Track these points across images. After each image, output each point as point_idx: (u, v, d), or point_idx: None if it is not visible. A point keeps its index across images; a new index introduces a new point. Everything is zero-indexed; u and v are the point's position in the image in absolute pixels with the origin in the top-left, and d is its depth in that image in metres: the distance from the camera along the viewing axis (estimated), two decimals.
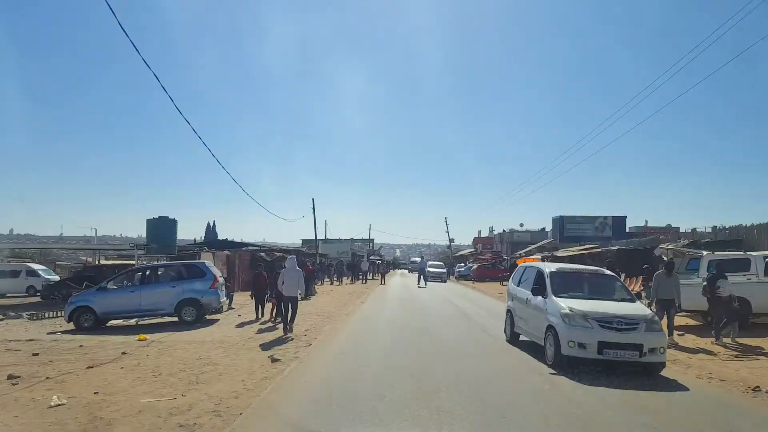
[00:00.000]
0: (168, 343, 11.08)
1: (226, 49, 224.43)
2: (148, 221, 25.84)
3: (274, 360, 8.67)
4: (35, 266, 30.09)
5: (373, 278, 43.12)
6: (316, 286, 30.57)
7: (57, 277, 28.77)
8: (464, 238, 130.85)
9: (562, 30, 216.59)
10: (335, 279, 34.67)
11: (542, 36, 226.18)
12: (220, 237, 65.02)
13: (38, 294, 25.64)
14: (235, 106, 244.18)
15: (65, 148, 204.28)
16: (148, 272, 15.02)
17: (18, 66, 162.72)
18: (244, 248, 29.32)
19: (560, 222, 55.89)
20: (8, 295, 27.26)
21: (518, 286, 11.44)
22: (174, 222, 26.17)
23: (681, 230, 64.38)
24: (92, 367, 8.89)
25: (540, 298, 9.68)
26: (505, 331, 11.73)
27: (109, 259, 34.44)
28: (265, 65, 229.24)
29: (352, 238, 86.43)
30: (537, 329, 9.63)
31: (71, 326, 14.13)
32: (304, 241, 62.45)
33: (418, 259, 73.09)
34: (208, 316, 15.39)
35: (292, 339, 11.67)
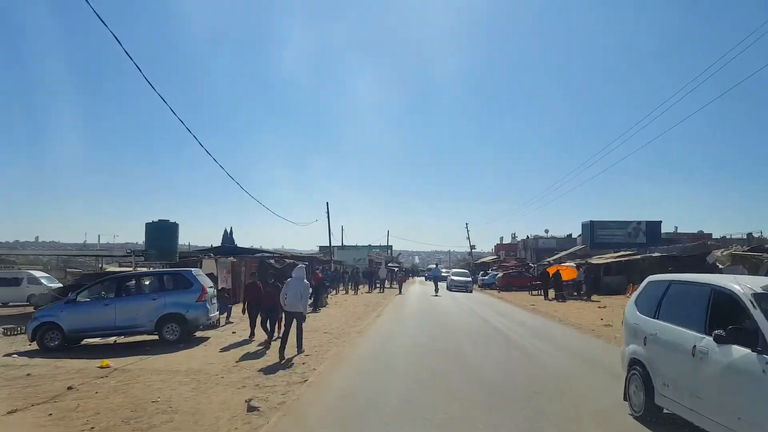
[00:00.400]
0: (132, 374, 8.84)
1: (244, 60, 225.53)
2: (147, 225, 23.90)
3: (251, 408, 6.29)
4: (37, 273, 28.37)
5: (391, 286, 40.74)
6: (330, 296, 28.31)
7: (60, 285, 27.02)
8: (485, 245, 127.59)
9: (584, 35, 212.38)
10: (351, 288, 32.32)
11: (564, 41, 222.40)
12: (238, 244, 63.51)
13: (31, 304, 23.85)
14: (254, 114, 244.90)
15: (98, 157, 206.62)
16: (125, 282, 12.78)
17: (49, 73, 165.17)
18: (250, 255, 27.12)
19: (590, 227, 52.83)
20: (10, 304, 25.60)
21: (658, 317, 6.19)
22: (175, 226, 24.18)
23: (713, 236, 61.06)
24: (14, 411, 6.69)
25: (743, 352, 4.58)
26: (626, 396, 6.48)
27: (122, 266, 32.75)
28: (283, 74, 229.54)
29: (369, 245, 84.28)
30: (731, 411, 4.64)
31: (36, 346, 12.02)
32: (321, 248, 60.36)
33: (433, 266, 70.57)
34: (198, 333, 13.19)
35: (292, 365, 9.36)
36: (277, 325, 12.31)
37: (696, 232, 64.90)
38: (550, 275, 29.77)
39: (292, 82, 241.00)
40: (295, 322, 10.51)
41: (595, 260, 33.63)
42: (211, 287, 13.08)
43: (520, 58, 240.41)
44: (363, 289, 37.19)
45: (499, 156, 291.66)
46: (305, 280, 10.89)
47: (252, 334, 12.58)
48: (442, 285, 35.42)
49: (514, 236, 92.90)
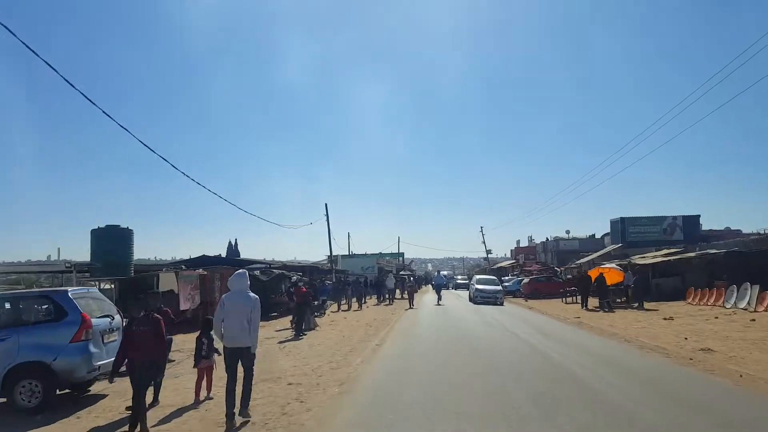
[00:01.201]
0: None
1: (247, 71, 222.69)
2: (93, 232, 19.35)
3: None
4: None
5: (402, 297, 35.93)
6: (328, 312, 23.50)
7: None
8: (500, 250, 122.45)
9: (594, 31, 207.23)
10: (353, 301, 27.44)
11: (574, 39, 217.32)
12: (245, 256, 58.57)
13: None
14: (260, 125, 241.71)
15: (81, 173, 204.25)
16: None
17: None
18: (225, 265, 22.48)
19: (621, 225, 47.59)
20: None
21: None
22: (128, 233, 19.32)
23: (744, 232, 55.50)
24: None
25: None
26: None
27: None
28: (288, 84, 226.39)
29: (380, 253, 79.63)
30: None
31: None
32: (342, 258, 55.67)
33: (445, 273, 65.81)
34: (93, 388, 8.48)
35: None
36: (205, 376, 7.56)
37: (723, 228, 59.48)
38: (592, 279, 24.76)
39: (297, 92, 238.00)
40: (240, 365, 6.45)
41: (638, 260, 28.52)
42: (105, 316, 8.29)
43: (529, 57, 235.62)
44: (371, 301, 32.47)
45: (510, 159, 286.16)
46: (251, 294, 6.56)
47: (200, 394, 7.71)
48: (450, 294, 30.62)
49: (530, 239, 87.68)
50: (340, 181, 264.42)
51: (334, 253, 59.51)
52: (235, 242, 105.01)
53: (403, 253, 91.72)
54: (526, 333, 15.25)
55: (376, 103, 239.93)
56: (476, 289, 30.22)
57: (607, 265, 27.70)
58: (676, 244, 41.07)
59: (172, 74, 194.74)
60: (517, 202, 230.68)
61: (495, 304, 28.26)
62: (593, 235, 70.75)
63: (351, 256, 59.53)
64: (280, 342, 13.45)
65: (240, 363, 6.33)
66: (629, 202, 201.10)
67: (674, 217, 47.23)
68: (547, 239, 76.56)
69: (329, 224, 32.96)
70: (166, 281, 17.89)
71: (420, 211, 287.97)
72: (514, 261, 79.10)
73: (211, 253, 33.11)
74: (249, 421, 6.19)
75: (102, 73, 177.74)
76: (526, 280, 35.72)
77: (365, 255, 61.17)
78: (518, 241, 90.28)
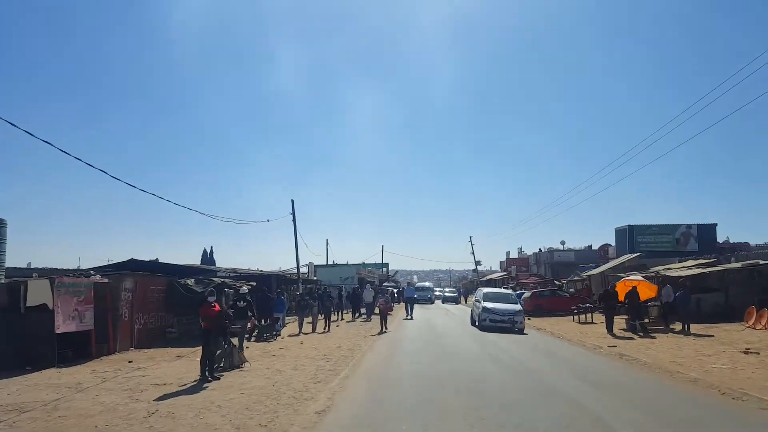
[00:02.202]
0: None
1: (236, 79, 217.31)
2: None
3: None
4: None
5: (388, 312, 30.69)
6: (280, 336, 18.01)
7: None
8: (487, 262, 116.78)
9: (585, 42, 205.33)
10: (321, 318, 21.93)
11: (564, 51, 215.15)
12: (222, 265, 51.98)
13: None
14: (247, 133, 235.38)
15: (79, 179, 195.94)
16: None
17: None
18: (146, 272, 17.02)
19: (628, 234, 42.76)
20: None
21: None
22: None
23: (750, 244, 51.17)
24: None
25: None
26: None
27: None
28: (276, 93, 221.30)
29: (363, 263, 74.19)
30: None
31: None
32: (318, 268, 50.11)
33: (427, 284, 60.62)
34: None
35: None
36: None
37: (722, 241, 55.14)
38: (620, 295, 19.62)
39: (284, 103, 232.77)
40: None
41: (668, 272, 23.49)
42: None
43: (520, 69, 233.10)
44: (347, 316, 27.06)
45: (499, 170, 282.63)
46: None
47: None
48: (438, 309, 25.19)
49: (520, 250, 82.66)
50: (326, 188, 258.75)
51: (314, 262, 54.34)
52: (211, 250, 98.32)
53: (387, 264, 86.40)
54: (560, 381, 9.93)
55: (366, 111, 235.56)
56: (484, 308, 21.04)
57: (632, 278, 22.58)
58: (689, 255, 36.48)
59: (158, 76, 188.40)
60: (505, 214, 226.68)
61: (512, 330, 19.98)
62: (590, 246, 66.46)
63: (331, 265, 54.02)
64: (162, 398, 8.04)
65: None
66: (621, 214, 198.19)
67: (688, 226, 42.52)
68: (540, 250, 71.75)
69: (296, 224, 27.55)
70: (37, 292, 12.41)
71: (406, 222, 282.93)
72: (505, 273, 74.08)
73: (184, 262, 27.63)
74: None
75: (89, 74, 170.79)
76: (527, 294, 30.54)
77: (347, 264, 55.71)
78: (508, 253, 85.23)
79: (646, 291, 20.17)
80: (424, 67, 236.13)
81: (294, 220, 27.25)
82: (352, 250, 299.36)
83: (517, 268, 68.88)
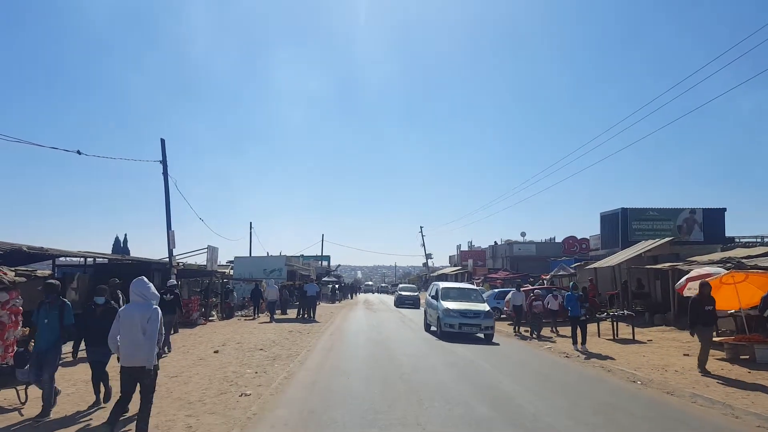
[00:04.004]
0: None
1: (158, 50, 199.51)
2: None
3: None
4: None
5: (304, 315, 21.83)
6: (165, 354, 8.07)
7: None
8: (437, 257, 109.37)
9: (534, 21, 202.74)
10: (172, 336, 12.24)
11: (512, 32, 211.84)
12: (138, 254, 39.23)
13: None
14: (176, 113, 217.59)
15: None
16: None
17: None
18: None
19: (621, 218, 34.97)
20: None
21: None
22: None
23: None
24: None
25: None
26: None
27: None
28: (208, 71, 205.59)
29: (301, 255, 64.21)
30: None
31: None
32: (237, 259, 39.83)
33: (369, 283, 51.98)
34: None
35: None
36: None
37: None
38: (710, 296, 10.94)
39: (217, 82, 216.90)
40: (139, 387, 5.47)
41: (749, 260, 15.08)
42: None
43: (466, 59, 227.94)
44: (250, 323, 17.59)
45: (446, 159, 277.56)
46: (154, 306, 5.67)
47: None
48: (391, 312, 16.71)
49: (471, 244, 75.16)
50: (255, 183, 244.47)
51: (244, 255, 43.65)
52: (124, 238, 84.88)
53: (329, 257, 76.80)
54: None
55: (302, 93, 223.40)
56: (446, 310, 16.68)
57: (707, 269, 13.99)
58: (697, 245, 29.16)
59: (75, 52, 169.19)
60: (454, 206, 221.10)
61: (480, 339, 16.37)
62: (553, 239, 60.07)
63: (256, 257, 43.72)
64: None
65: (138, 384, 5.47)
66: (572, 210, 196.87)
67: (692, 210, 35.24)
68: (496, 243, 64.36)
69: (167, 180, 17.18)
70: None
71: (348, 213, 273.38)
72: (459, 267, 66.13)
73: (95, 250, 19.97)
74: None
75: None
76: (511, 295, 21.41)
77: (270, 256, 45.64)
78: (459, 246, 77.36)
79: (749, 291, 11.74)
80: (367, 53, 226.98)
81: (165, 171, 16.96)
82: (291, 242, 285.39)
83: (474, 261, 60.94)
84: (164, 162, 17.18)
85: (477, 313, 16.49)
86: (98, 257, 20.93)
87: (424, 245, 72.44)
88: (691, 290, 13.53)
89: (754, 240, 34.47)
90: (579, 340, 14.29)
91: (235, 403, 7.38)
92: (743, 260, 15.03)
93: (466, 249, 71.20)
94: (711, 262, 16.04)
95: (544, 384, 9.51)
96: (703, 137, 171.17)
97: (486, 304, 18.03)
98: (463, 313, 16.43)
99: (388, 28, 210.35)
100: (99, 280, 12.88)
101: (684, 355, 12.80)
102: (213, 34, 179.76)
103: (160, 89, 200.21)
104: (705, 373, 10.27)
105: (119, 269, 19.02)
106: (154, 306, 5.70)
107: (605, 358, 12.70)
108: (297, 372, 9.96)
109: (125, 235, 75.83)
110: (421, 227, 71.02)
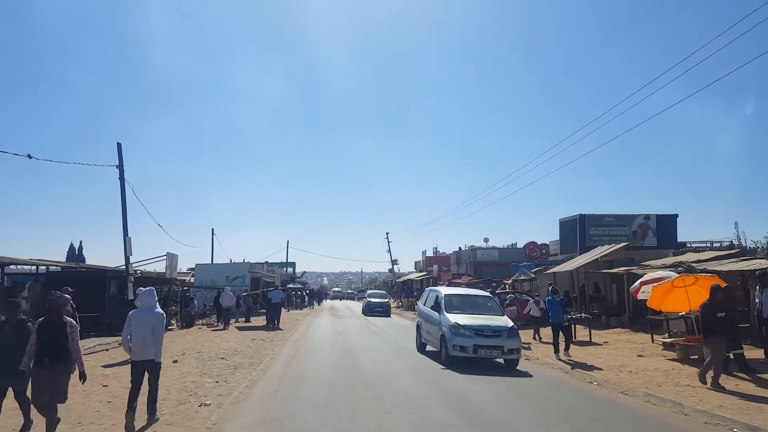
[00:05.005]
0: None
1: (114, 52, 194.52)
2: None
3: None
4: None
5: (312, 306, 21.50)
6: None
7: None
8: (402, 263, 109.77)
9: (496, 24, 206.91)
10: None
11: (475, 31, 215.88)
12: (92, 262, 36.38)
13: None
14: (134, 116, 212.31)
15: None
16: None
17: None
18: None
19: (579, 224, 35.89)
20: None
21: None
22: None
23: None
24: None
25: None
26: None
27: None
28: (167, 73, 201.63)
29: (266, 261, 63.25)
30: None
31: None
32: (198, 266, 38.93)
33: (337, 289, 51.09)
34: None
35: None
36: None
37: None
38: (656, 302, 11.34)
39: (174, 78, 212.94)
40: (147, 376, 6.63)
41: (699, 264, 15.74)
42: None
43: (428, 59, 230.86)
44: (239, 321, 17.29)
45: (409, 168, 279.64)
46: (158, 310, 6.87)
47: None
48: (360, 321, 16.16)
49: (436, 250, 75.83)
50: (223, 179, 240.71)
51: (206, 263, 42.60)
52: (80, 245, 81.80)
53: (294, 263, 75.92)
54: None
55: (265, 96, 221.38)
56: (454, 326, 12.20)
57: (660, 273, 14.59)
58: (652, 250, 30.31)
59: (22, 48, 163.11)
60: (420, 213, 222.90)
61: (503, 368, 12.00)
62: (515, 244, 61.11)
63: (224, 264, 42.84)
64: None
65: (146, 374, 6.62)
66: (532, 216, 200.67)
67: (646, 216, 36.43)
68: (460, 249, 65.23)
69: (124, 186, 16.69)
70: None
71: (315, 221, 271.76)
72: (425, 273, 66.53)
73: (49, 258, 19.50)
74: (157, 419, 6.60)
75: None
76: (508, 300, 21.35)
77: (234, 263, 44.88)
78: (424, 252, 77.76)
79: (696, 297, 12.27)
80: (329, 57, 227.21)
81: (122, 176, 16.48)
82: (253, 247, 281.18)
83: (439, 267, 61.50)
84: (121, 166, 16.75)
85: (497, 331, 12.04)
86: (51, 265, 20.23)
87: (390, 251, 72.50)
88: (645, 293, 14.08)
89: (704, 245, 35.99)
90: (561, 347, 13.62)
91: (194, 413, 7.26)
92: (693, 264, 15.67)
93: (432, 255, 71.71)
94: (663, 266, 16.70)
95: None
96: (657, 147, 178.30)
97: (506, 317, 13.50)
98: (478, 331, 11.95)
99: (354, 31, 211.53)
100: (52, 288, 12.44)
101: (638, 356, 13.25)
102: (173, 34, 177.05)
103: (117, 91, 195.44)
104: (718, 387, 9.06)
105: (74, 277, 18.46)
106: (160, 311, 6.83)
107: (591, 368, 11.74)
108: (259, 380, 9.85)
109: (80, 242, 73.30)
110: (387, 233, 71.06)
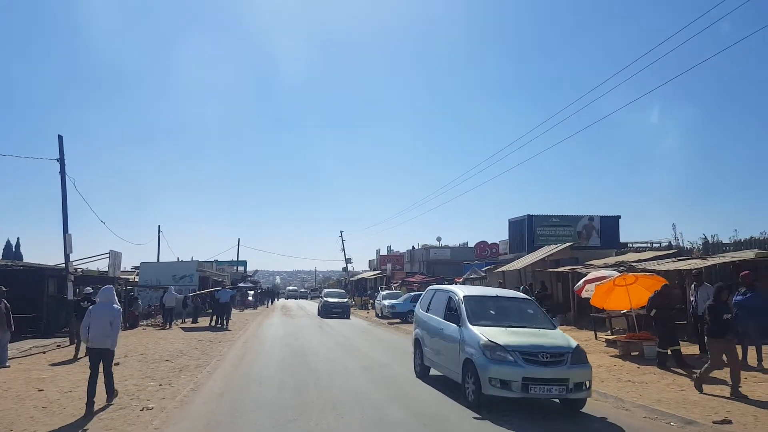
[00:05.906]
0: None
1: (54, 39, 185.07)
2: None
3: None
4: None
5: (218, 323, 20.99)
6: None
7: None
8: (356, 262, 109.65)
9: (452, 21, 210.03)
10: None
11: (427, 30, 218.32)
12: (30, 260, 33.28)
13: None
14: (75, 108, 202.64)
15: None
16: None
17: None
18: None
19: (527, 225, 36.80)
20: None
21: None
22: None
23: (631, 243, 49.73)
24: None
25: None
26: None
27: None
28: (110, 62, 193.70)
29: (215, 260, 61.73)
30: None
31: None
32: (143, 264, 37.42)
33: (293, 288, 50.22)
34: None
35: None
36: None
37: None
38: (601, 300, 11.78)
39: (117, 68, 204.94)
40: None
41: (665, 265, 16.32)
42: None
43: (383, 57, 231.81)
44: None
45: (363, 166, 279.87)
46: (116, 305, 8.08)
47: None
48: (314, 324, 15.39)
49: (390, 248, 76.32)
50: (170, 175, 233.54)
51: (118, 251, 40.85)
52: (17, 242, 77.44)
53: (245, 262, 74.45)
54: None
55: (214, 89, 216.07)
56: (487, 346, 7.69)
57: (603, 272, 15.13)
58: (596, 250, 31.53)
59: None
60: (374, 212, 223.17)
61: (554, 399, 7.97)
62: (466, 243, 62.18)
63: (168, 262, 41.48)
64: None
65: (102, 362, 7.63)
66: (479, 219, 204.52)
67: (591, 217, 37.69)
68: (414, 247, 65.83)
69: (65, 178, 15.77)
70: None
71: (267, 219, 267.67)
72: (379, 272, 66.72)
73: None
74: (116, 393, 7.92)
75: None
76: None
77: (181, 261, 43.61)
78: (378, 250, 78.06)
79: (636, 295, 12.81)
80: (283, 50, 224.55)
81: (62, 170, 15.65)
82: (202, 245, 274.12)
83: (393, 265, 61.79)
84: (62, 160, 15.92)
85: (557, 354, 7.70)
86: None
87: (344, 250, 72.26)
88: (588, 292, 14.57)
89: (644, 245, 37.68)
90: None
91: (135, 418, 6.95)
92: (634, 264, 16.34)
93: (386, 253, 71.97)
94: (606, 266, 17.35)
95: None
96: (601, 150, 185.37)
97: (561, 332, 8.87)
98: (528, 355, 7.60)
99: (309, 23, 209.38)
100: None
101: None
102: (115, 21, 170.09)
103: (57, 82, 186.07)
104: (701, 389, 8.63)
105: (9, 276, 17.45)
106: (118, 306, 8.08)
107: None
108: (205, 383, 9.56)
109: (17, 239, 69.58)
110: (341, 232, 70.78)
